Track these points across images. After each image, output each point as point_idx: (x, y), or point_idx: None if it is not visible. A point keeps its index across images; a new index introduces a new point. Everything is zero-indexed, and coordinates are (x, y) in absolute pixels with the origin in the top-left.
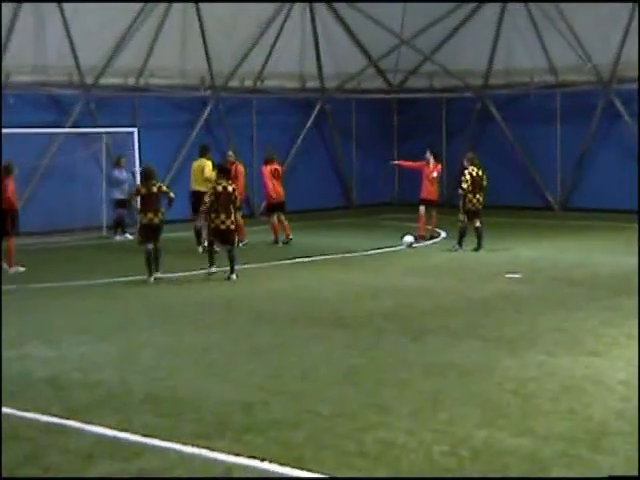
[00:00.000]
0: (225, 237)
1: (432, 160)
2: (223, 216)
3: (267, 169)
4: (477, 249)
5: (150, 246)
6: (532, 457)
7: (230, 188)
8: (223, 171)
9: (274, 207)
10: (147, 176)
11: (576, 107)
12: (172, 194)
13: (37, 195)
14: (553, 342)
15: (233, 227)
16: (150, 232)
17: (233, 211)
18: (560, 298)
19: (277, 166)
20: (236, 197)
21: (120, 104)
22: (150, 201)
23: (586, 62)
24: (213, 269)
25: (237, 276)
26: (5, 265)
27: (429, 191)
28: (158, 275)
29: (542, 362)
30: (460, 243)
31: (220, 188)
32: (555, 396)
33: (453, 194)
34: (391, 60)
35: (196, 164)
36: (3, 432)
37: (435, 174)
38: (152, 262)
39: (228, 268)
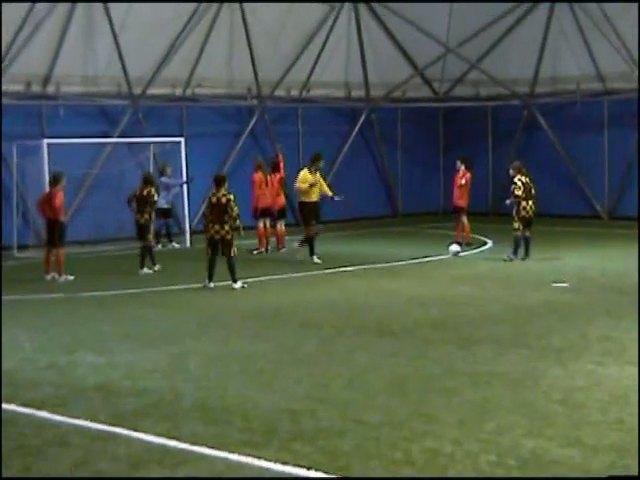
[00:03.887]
0: (220, 247)
1: (462, 168)
2: (217, 226)
3: (277, 178)
4: (524, 258)
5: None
6: (581, 468)
7: (224, 199)
8: (216, 181)
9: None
10: (145, 181)
11: (623, 114)
12: (153, 201)
13: (86, 205)
14: (601, 351)
15: (228, 237)
16: (138, 230)
17: (228, 221)
18: (608, 307)
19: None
20: (231, 207)
21: (167, 114)
22: (141, 203)
23: (634, 69)
24: (211, 284)
25: (243, 286)
26: (55, 274)
27: (456, 197)
28: (155, 268)
29: (590, 371)
30: (516, 252)
31: (214, 199)
32: (604, 406)
33: (499, 204)
34: (437, 69)
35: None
36: (54, 439)
37: (463, 181)
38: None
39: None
